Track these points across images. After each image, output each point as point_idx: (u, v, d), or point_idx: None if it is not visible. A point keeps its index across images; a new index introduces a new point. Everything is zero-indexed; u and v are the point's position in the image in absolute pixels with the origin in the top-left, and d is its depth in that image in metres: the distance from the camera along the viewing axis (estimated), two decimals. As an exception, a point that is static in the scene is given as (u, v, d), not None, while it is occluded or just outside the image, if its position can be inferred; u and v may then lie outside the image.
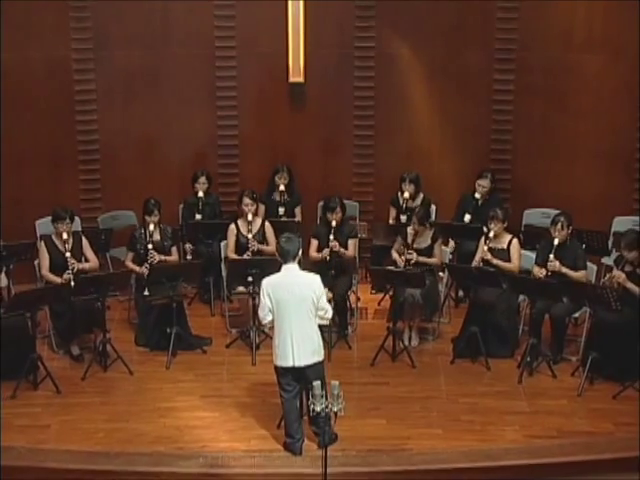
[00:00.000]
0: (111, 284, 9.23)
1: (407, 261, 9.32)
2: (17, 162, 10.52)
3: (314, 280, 7.64)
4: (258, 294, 9.11)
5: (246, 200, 9.59)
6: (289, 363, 7.56)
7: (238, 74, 10.78)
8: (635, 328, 8.61)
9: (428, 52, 10.76)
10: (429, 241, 9.49)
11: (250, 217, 9.56)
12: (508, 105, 10.84)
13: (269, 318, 7.63)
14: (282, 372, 7.66)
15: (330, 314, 7.77)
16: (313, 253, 9.54)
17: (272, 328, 7.74)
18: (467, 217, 10.05)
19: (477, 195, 10.21)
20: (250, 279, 9.13)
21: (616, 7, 10.20)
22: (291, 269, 7.63)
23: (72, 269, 8.99)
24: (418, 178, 10.26)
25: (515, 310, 9.45)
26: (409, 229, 9.53)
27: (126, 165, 10.83)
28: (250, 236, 9.53)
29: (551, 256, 8.94)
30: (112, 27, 10.44)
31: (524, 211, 10.58)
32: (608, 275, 8.80)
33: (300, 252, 7.79)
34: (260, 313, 7.68)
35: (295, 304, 7.53)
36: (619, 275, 8.62)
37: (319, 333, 7.67)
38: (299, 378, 7.60)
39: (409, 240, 9.44)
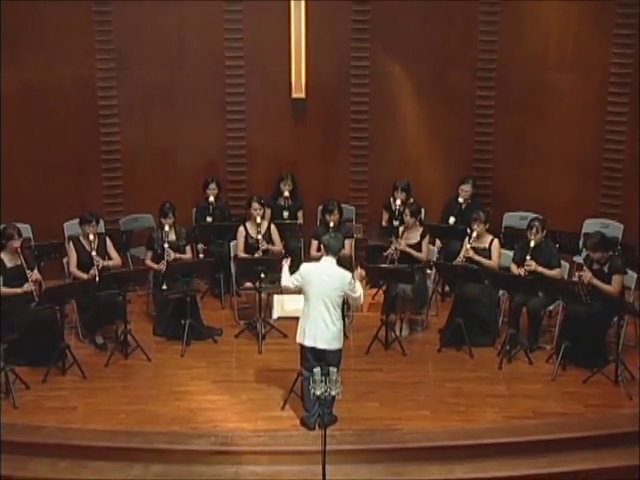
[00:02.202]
0: (131, 280, 9.26)
1: (396, 249, 9.32)
2: (47, 169, 10.54)
3: (345, 276, 7.69)
4: (264, 289, 9.25)
5: (255, 205, 9.62)
6: (310, 343, 7.61)
7: (246, 90, 10.77)
8: (603, 320, 8.66)
9: (417, 70, 10.76)
10: (418, 237, 9.50)
11: (258, 220, 9.57)
12: (489, 119, 10.85)
13: (286, 284, 7.82)
14: (304, 351, 7.70)
15: (362, 298, 7.84)
16: (313, 252, 9.56)
17: (279, 319, 7.79)
18: (452, 220, 10.05)
19: (460, 199, 10.21)
20: (262, 275, 9.16)
21: (586, 31, 10.21)
22: (329, 262, 7.72)
23: (98, 266, 9.03)
24: (409, 186, 10.25)
25: (496, 303, 9.45)
26: (402, 227, 9.56)
27: (145, 172, 10.83)
28: (260, 237, 9.55)
29: (528, 257, 8.96)
30: (132, 49, 10.44)
31: (504, 214, 10.57)
32: (577, 274, 8.82)
33: (341, 251, 7.86)
34: (286, 281, 7.83)
35: (322, 292, 7.59)
36: (585, 274, 8.64)
37: (341, 322, 7.73)
38: (319, 359, 7.58)
39: (399, 234, 9.46)
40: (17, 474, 7.42)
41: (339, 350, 7.69)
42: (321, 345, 7.60)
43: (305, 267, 7.78)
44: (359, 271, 8.21)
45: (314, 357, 7.63)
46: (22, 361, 8.57)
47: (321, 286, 7.61)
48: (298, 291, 7.87)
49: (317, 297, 7.61)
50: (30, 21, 10.09)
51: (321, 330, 7.58)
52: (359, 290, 7.77)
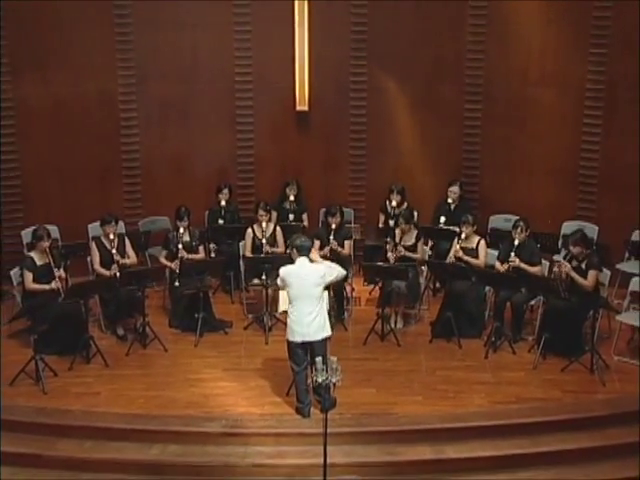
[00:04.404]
0: (149, 277, 9.29)
1: (397, 256, 9.34)
2: (73, 176, 10.57)
3: (320, 270, 7.71)
4: (271, 285, 9.24)
5: (260, 211, 9.62)
6: (299, 339, 7.61)
7: (254, 104, 10.78)
8: (580, 313, 8.67)
9: (410, 86, 10.76)
10: (413, 240, 9.50)
11: (264, 224, 9.60)
12: (476, 130, 10.85)
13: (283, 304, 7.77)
14: (293, 347, 7.69)
15: (342, 274, 7.81)
16: (314, 251, 9.54)
17: (284, 313, 7.79)
18: (442, 219, 10.02)
19: (449, 200, 10.22)
20: (264, 275, 9.17)
21: (563, 51, 10.22)
22: (303, 262, 7.70)
23: (117, 262, 9.05)
24: (403, 189, 10.26)
25: (482, 298, 9.44)
26: (397, 230, 9.58)
27: (162, 178, 10.84)
28: (264, 240, 9.55)
29: (512, 254, 8.98)
30: (151, 66, 10.46)
31: (490, 217, 10.56)
32: (557, 265, 8.85)
33: (312, 249, 7.86)
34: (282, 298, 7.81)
35: (306, 289, 7.58)
36: (565, 265, 8.66)
37: (326, 314, 7.72)
38: (307, 352, 7.62)
39: (397, 239, 9.47)
40: (46, 453, 7.48)
41: (326, 338, 7.68)
42: (309, 338, 7.59)
43: (284, 271, 7.72)
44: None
45: (304, 351, 7.65)
46: (51, 350, 8.61)
47: (303, 284, 7.60)
48: None
49: (300, 296, 7.60)
50: (58, 42, 10.15)
51: (308, 325, 7.57)
52: (336, 270, 7.74)
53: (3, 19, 9.90)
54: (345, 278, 8.50)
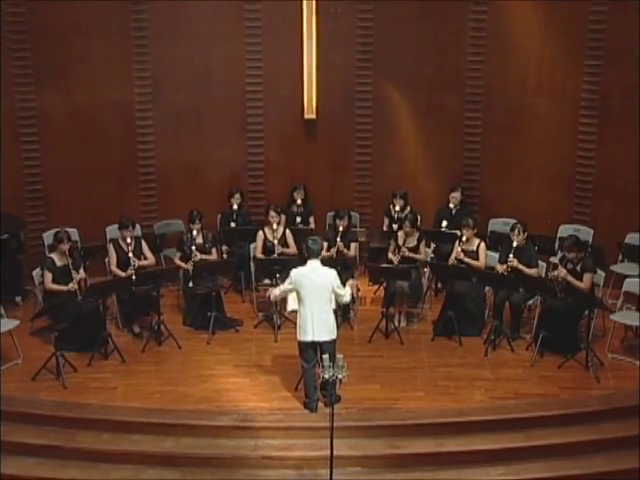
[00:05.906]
0: (164, 277, 9.29)
1: (401, 257, 9.33)
2: (92, 181, 10.60)
3: (331, 273, 7.66)
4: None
5: (272, 213, 9.64)
6: (309, 338, 7.59)
7: (264, 112, 10.79)
8: (576, 313, 8.66)
9: (413, 95, 10.77)
10: (416, 241, 9.52)
11: (275, 226, 9.60)
12: (476, 137, 10.85)
13: (277, 292, 7.73)
14: (304, 346, 7.67)
15: (348, 297, 7.78)
16: (323, 252, 9.54)
17: (293, 312, 7.79)
18: (444, 223, 10.05)
19: (451, 205, 10.24)
20: (277, 275, 9.16)
21: (560, 61, 10.21)
22: (314, 264, 7.65)
23: (134, 266, 9.07)
24: (406, 194, 10.28)
25: (482, 298, 9.44)
26: (400, 232, 9.58)
27: (176, 184, 10.85)
28: (276, 241, 9.57)
29: (511, 256, 8.97)
30: (166, 76, 10.48)
31: (489, 220, 10.55)
32: (554, 271, 8.83)
33: (322, 251, 7.83)
34: (276, 290, 7.71)
35: (316, 291, 7.54)
36: (560, 271, 8.66)
37: (334, 316, 7.71)
38: (317, 351, 7.61)
39: (400, 241, 9.47)
40: (67, 445, 7.49)
41: (334, 340, 7.66)
42: (319, 338, 7.57)
43: (295, 272, 7.67)
44: (352, 282, 8.18)
45: (314, 350, 7.63)
46: (70, 347, 8.63)
47: (313, 286, 7.55)
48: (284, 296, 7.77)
49: (311, 296, 7.55)
50: (78, 54, 10.20)
51: (318, 325, 7.54)
52: (347, 292, 7.73)
53: (28, 32, 9.97)
54: (347, 305, 8.48)
